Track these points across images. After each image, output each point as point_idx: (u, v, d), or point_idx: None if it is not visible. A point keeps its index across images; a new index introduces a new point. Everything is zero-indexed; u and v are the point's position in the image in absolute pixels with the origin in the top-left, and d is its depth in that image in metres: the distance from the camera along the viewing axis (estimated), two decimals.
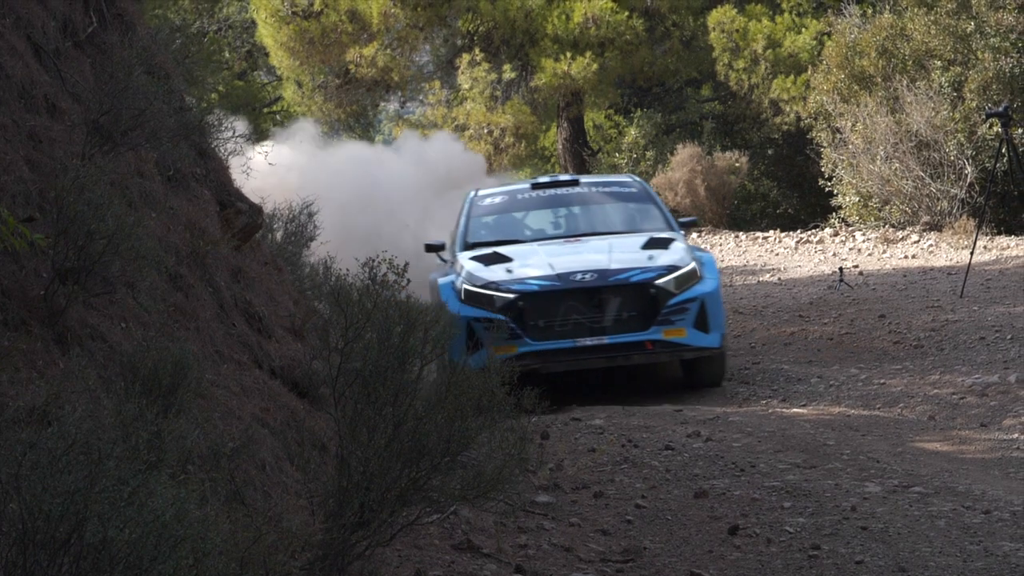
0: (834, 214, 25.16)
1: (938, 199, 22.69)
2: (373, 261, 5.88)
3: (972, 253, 16.99)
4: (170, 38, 10.41)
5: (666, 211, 14.13)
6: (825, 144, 24.91)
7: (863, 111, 23.50)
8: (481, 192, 14.72)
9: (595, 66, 27.15)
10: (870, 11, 25.49)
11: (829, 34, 25.87)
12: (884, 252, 21.58)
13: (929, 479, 8.76)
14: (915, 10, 23.49)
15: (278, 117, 34.44)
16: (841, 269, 18.81)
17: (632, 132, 30.14)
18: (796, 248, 23.21)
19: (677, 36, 28.63)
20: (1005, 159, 17.14)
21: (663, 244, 13.03)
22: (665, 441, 9.75)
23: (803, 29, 27.85)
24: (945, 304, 15.73)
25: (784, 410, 11.58)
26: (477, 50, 28.17)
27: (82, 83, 7.31)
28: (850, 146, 23.89)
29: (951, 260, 19.90)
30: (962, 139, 22.59)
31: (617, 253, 12.80)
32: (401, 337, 5.73)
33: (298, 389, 7.79)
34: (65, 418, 4.27)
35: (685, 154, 26.85)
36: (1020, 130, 21.91)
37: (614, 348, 12.23)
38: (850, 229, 23.94)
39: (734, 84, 28.34)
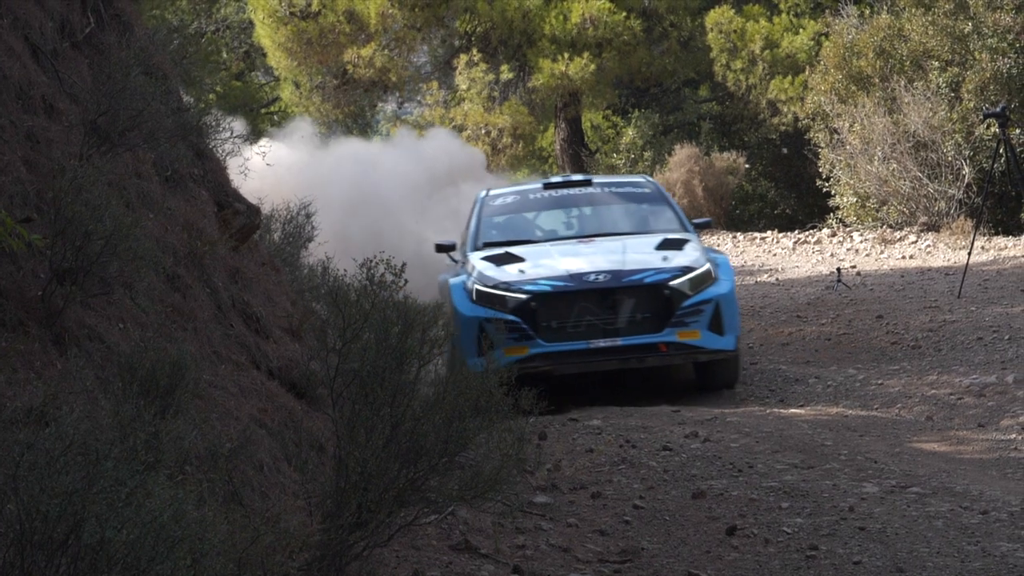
0: (832, 214, 25.18)
1: (936, 199, 22.70)
2: (371, 261, 5.88)
3: (970, 253, 16.99)
4: (168, 38, 10.40)
5: (680, 212, 13.96)
6: (823, 144, 24.92)
7: (861, 112, 23.51)
8: (492, 192, 14.55)
9: (593, 67, 27.15)
10: (868, 12, 25.50)
11: (827, 35, 25.87)
12: (882, 252, 21.59)
13: (927, 479, 8.76)
14: (913, 11, 23.50)
15: (276, 118, 34.44)
16: (839, 269, 18.81)
17: (630, 133, 30.14)
18: (794, 248, 23.22)
19: (675, 36, 28.63)
20: (1002, 159, 17.15)
21: (677, 245, 12.88)
22: (663, 441, 9.75)
23: (801, 30, 27.85)
24: (943, 304, 15.73)
25: (782, 410, 11.58)
26: (475, 51, 28.17)
27: (80, 84, 7.31)
28: (848, 147, 23.89)
29: (949, 260, 19.90)
30: (960, 140, 22.61)
31: (631, 254, 12.65)
32: (399, 337, 5.73)
33: (296, 390, 7.79)
34: (63, 419, 4.27)
35: (683, 154, 26.86)
36: (1017, 130, 21.93)
37: (627, 350, 12.09)
38: (848, 229, 23.95)
39: (732, 85, 28.35)
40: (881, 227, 23.23)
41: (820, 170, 25.10)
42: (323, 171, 20.83)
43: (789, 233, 24.80)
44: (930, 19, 23.13)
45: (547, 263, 12.56)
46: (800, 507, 8.09)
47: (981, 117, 21.43)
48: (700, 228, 13.96)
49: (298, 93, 30.08)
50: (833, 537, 7.52)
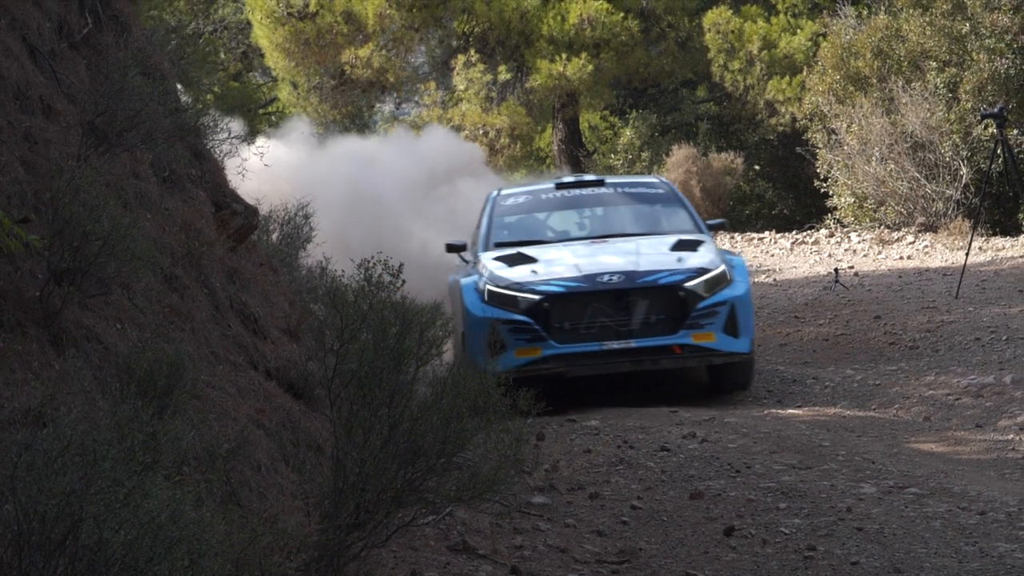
0: (829, 215, 25.19)
1: (933, 200, 22.71)
2: (368, 262, 5.88)
3: (967, 254, 17.00)
4: (166, 39, 10.40)
5: (694, 213, 13.75)
6: (820, 145, 24.93)
7: (858, 112, 23.52)
8: (504, 191, 14.34)
9: (590, 67, 27.15)
10: (865, 12, 25.50)
11: (824, 35, 25.88)
12: (879, 253, 21.59)
13: (924, 480, 8.77)
14: (910, 11, 23.51)
15: (273, 118, 34.43)
16: (836, 270, 18.82)
17: (627, 133, 30.14)
18: (791, 249, 23.22)
19: (672, 37, 28.62)
20: (1000, 160, 17.14)
21: (692, 246, 12.70)
22: (661, 442, 9.76)
23: (798, 30, 27.85)
24: (940, 305, 15.74)
25: (779, 411, 11.57)
26: (472, 51, 28.17)
27: (77, 84, 7.31)
28: (845, 147, 23.90)
29: (946, 261, 19.91)
30: (957, 140, 22.62)
31: (645, 255, 12.49)
32: (397, 338, 5.73)
33: (293, 390, 7.79)
34: (60, 419, 4.27)
35: (680, 155, 26.86)
36: (1015, 131, 21.94)
37: (641, 352, 11.92)
38: (845, 230, 23.96)
39: (729, 85, 28.34)
40: (879, 228, 23.24)
41: (818, 171, 25.11)
42: (320, 170, 20.80)
43: (787, 234, 24.80)
44: (928, 20, 23.14)
45: (560, 263, 12.40)
46: (798, 508, 8.09)
47: (979, 118, 21.44)
48: (714, 229, 13.73)
49: (296, 94, 30.07)
50: (831, 538, 7.53)
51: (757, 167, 30.78)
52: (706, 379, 12.82)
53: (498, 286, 12.19)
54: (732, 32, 27.91)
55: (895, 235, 22.49)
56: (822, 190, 25.11)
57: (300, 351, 8.17)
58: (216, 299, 7.57)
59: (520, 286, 12.12)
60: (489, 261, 12.71)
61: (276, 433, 6.74)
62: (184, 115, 8.24)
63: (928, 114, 22.68)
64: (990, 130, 21.61)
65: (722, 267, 12.35)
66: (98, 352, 5.89)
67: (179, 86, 10.12)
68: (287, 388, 7.73)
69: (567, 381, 12.07)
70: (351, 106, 30.14)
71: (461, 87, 28.20)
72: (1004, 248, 20.52)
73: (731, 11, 28.16)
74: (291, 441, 6.63)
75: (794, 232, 25.03)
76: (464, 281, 12.61)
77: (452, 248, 13.76)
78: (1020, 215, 22.29)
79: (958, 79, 22.82)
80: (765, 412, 11.50)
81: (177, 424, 5.13)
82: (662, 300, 12.02)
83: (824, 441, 9.98)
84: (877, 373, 13.02)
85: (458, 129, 27.66)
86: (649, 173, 27.10)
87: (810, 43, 27.34)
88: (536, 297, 12.00)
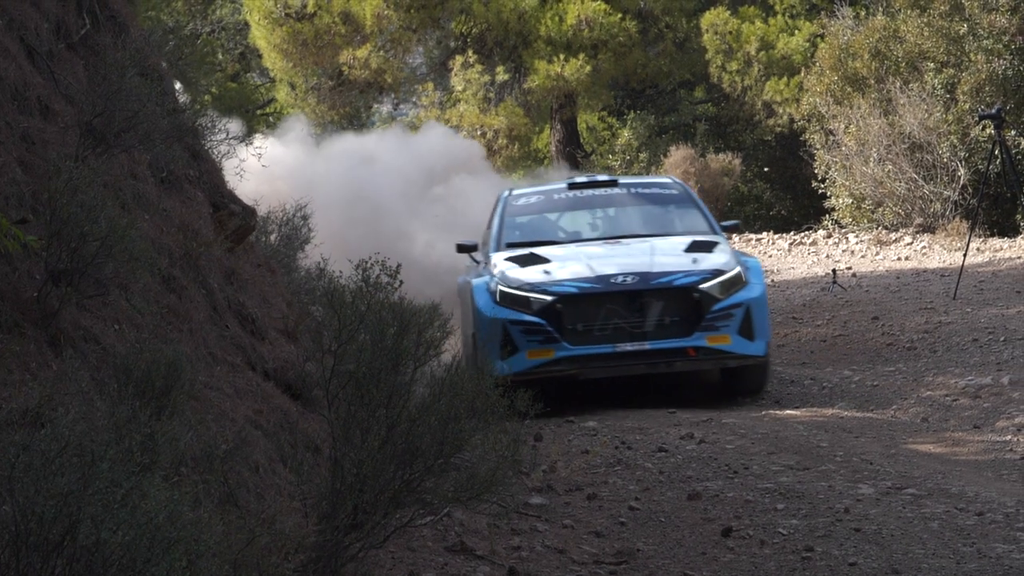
0: (827, 216, 25.18)
1: (931, 201, 22.71)
2: (366, 263, 5.87)
3: (965, 255, 17.00)
4: (163, 40, 10.40)
5: (708, 214, 13.59)
6: (818, 146, 24.92)
7: (856, 113, 23.52)
8: (515, 192, 14.17)
9: (588, 68, 27.14)
10: (863, 13, 25.51)
11: (822, 36, 25.88)
12: (877, 254, 21.60)
13: (922, 481, 8.77)
14: (908, 12, 23.51)
15: (271, 119, 34.42)
16: (834, 271, 18.82)
17: (625, 134, 30.13)
18: (789, 250, 23.23)
19: (670, 38, 28.62)
20: (998, 161, 17.14)
21: (707, 247, 12.55)
22: (658, 443, 9.76)
23: (796, 31, 27.85)
24: (938, 306, 15.74)
25: (777, 412, 11.57)
26: (470, 52, 28.16)
27: (75, 85, 7.31)
28: (843, 148, 23.90)
29: (944, 262, 19.92)
30: (955, 141, 22.62)
31: (659, 255, 12.33)
32: (394, 339, 5.73)
33: (291, 391, 7.79)
34: (58, 420, 4.27)
35: (678, 156, 26.86)
36: (1013, 132, 21.94)
37: (655, 354, 11.78)
38: (843, 231, 23.96)
39: (727, 86, 28.34)
40: (877, 229, 23.24)
41: (816, 171, 25.10)
42: (318, 169, 20.78)
43: (785, 235, 24.80)
44: (925, 20, 23.13)
45: (573, 264, 12.26)
46: (796, 508, 8.09)
47: (977, 119, 21.43)
48: (728, 231, 13.59)
49: (294, 94, 30.05)
50: (829, 538, 7.53)
51: (756, 167, 30.79)
52: (719, 382, 12.69)
53: (510, 287, 12.05)
54: (730, 33, 27.90)
55: (893, 236, 22.49)
56: (820, 191, 25.12)
57: (298, 352, 8.17)
58: (214, 300, 7.57)
59: (533, 287, 11.99)
60: (501, 261, 12.56)
61: (274, 434, 6.74)
62: (182, 116, 8.24)
63: (926, 115, 22.68)
64: (988, 131, 21.60)
65: (738, 268, 12.21)
66: (96, 353, 5.89)
67: (178, 85, 10.12)
68: (285, 389, 7.73)
69: (578, 383, 11.98)
70: (349, 107, 30.13)
71: (459, 88, 28.20)
72: (1002, 249, 20.52)
73: (729, 12, 28.15)
74: (289, 442, 6.63)
75: (792, 233, 25.03)
76: (475, 282, 12.49)
77: (463, 248, 13.64)
78: (1018, 216, 22.29)
79: (956, 80, 22.82)
80: (763, 413, 11.50)
81: (175, 425, 5.12)
82: (677, 301, 11.90)
83: (822, 442, 9.98)
84: (875, 374, 13.02)
85: (456, 130, 27.65)
86: (647, 174, 27.11)
87: (808, 44, 27.33)
88: (549, 298, 11.87)
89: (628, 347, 11.80)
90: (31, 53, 7.18)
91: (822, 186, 24.91)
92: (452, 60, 28.45)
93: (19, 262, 5.84)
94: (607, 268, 12.12)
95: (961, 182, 22.51)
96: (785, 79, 27.48)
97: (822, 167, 24.76)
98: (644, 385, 12.54)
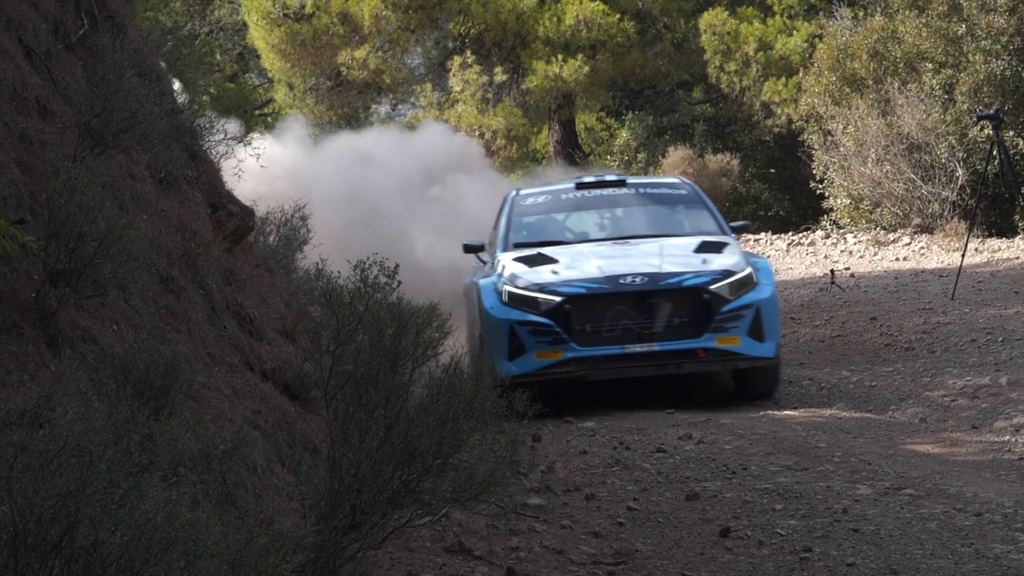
0: (825, 216, 25.20)
1: (929, 201, 22.72)
2: (364, 263, 5.87)
3: (963, 255, 17.01)
4: (162, 40, 10.40)
5: (717, 214, 13.52)
6: (816, 146, 24.94)
7: (854, 113, 23.53)
8: (523, 192, 14.07)
9: (586, 68, 27.14)
10: (861, 14, 25.51)
11: (820, 36, 25.88)
12: (875, 254, 21.60)
13: (920, 481, 8.77)
14: (906, 12, 23.52)
15: (269, 119, 34.42)
16: (832, 271, 18.83)
17: (623, 134, 30.13)
18: (787, 250, 23.23)
19: (668, 39, 28.61)
20: (996, 162, 17.15)
21: (716, 248, 12.48)
22: (656, 443, 9.76)
23: (794, 32, 27.85)
24: (936, 306, 15.75)
25: (775, 412, 11.57)
26: (468, 52, 28.16)
27: (73, 85, 7.31)
28: (841, 148, 23.91)
29: (942, 262, 19.93)
30: (953, 142, 22.63)
31: (668, 256, 12.25)
32: (393, 339, 5.73)
33: (289, 391, 7.79)
34: (56, 420, 4.27)
35: (676, 156, 26.87)
36: (1011, 133, 21.95)
37: (664, 356, 11.68)
38: (841, 231, 23.97)
39: (725, 86, 28.34)
40: (875, 229, 23.25)
41: (814, 172, 25.11)
42: (317, 169, 20.78)
43: (783, 235, 24.81)
44: (924, 21, 23.14)
45: (581, 264, 12.16)
46: (794, 509, 8.09)
47: (975, 119, 21.43)
48: (738, 231, 13.53)
49: (292, 95, 30.05)
50: (827, 539, 7.53)
51: (755, 168, 30.79)
52: (731, 384, 12.59)
53: (518, 287, 11.96)
54: (728, 34, 27.90)
55: (891, 236, 22.50)
56: (818, 191, 25.13)
57: (296, 352, 8.17)
58: (212, 300, 7.57)
59: (540, 287, 11.90)
60: (508, 262, 12.47)
61: (272, 434, 6.74)
62: (180, 116, 8.24)
63: (924, 116, 22.69)
64: (986, 132, 21.60)
65: (748, 269, 12.14)
66: (94, 353, 5.89)
67: (177, 85, 10.11)
68: (283, 389, 7.73)
69: (586, 384, 11.94)
70: (347, 107, 30.12)
71: (457, 88, 28.19)
72: (1000, 249, 20.53)
73: (727, 13, 28.15)
74: (287, 442, 6.63)
75: (790, 233, 25.04)
76: (482, 282, 12.41)
77: (469, 249, 13.56)
78: (1016, 216, 22.31)
79: (954, 81, 22.83)
80: (761, 413, 11.49)
81: (173, 425, 5.12)
82: (686, 302, 11.81)
83: (820, 442, 9.98)
84: (873, 374, 13.02)
85: (454, 130, 27.64)
86: (647, 174, 27.11)
87: (806, 44, 27.33)
88: (557, 298, 11.77)
89: (637, 348, 11.71)
90: (29, 54, 7.18)
91: (820, 186, 24.92)
92: (450, 61, 28.45)
93: (17, 262, 5.84)
94: (616, 268, 12.02)
95: (959, 183, 22.52)
96: (783, 80, 27.48)
97: (820, 167, 24.77)
98: (651, 388, 12.51)
